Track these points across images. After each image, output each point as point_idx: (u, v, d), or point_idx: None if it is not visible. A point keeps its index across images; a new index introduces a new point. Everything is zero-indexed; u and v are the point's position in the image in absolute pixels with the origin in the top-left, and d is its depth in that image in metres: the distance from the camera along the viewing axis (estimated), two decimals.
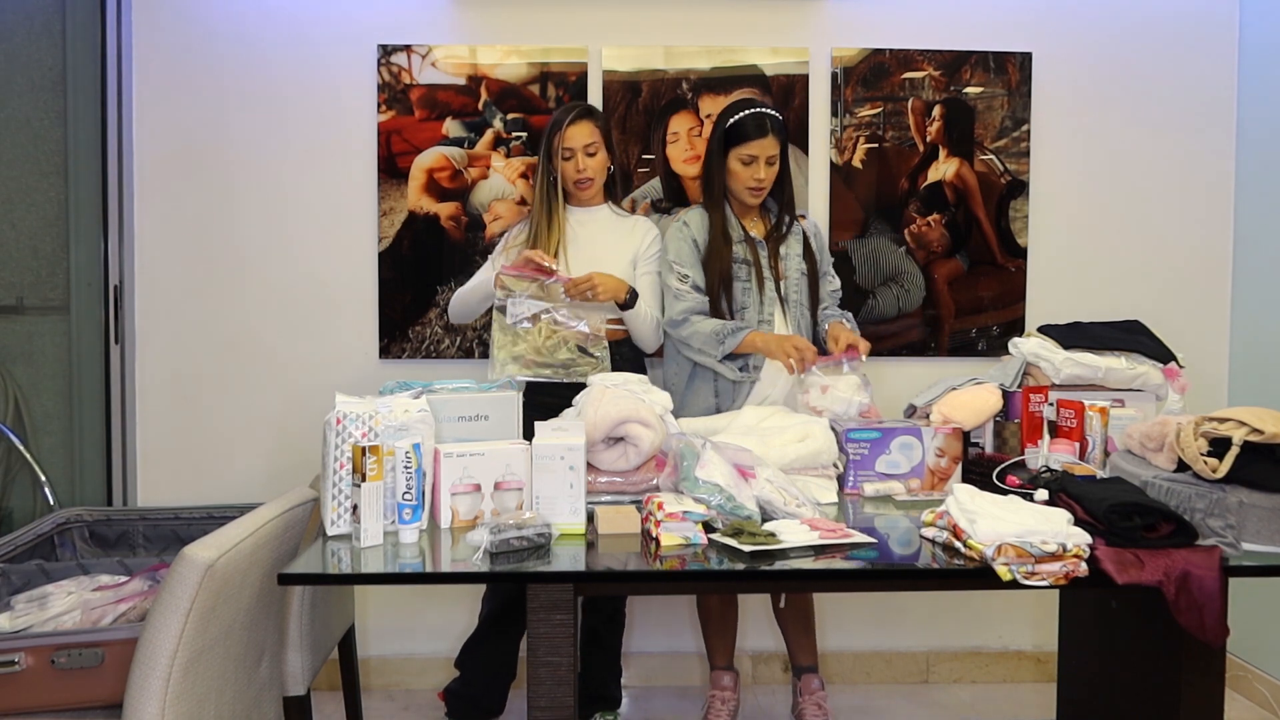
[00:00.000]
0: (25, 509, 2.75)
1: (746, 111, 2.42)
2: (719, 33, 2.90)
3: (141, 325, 2.89)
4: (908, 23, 2.93)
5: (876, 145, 2.93)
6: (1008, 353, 2.37)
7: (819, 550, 1.64)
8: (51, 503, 2.66)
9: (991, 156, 2.95)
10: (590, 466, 1.88)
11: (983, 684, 3.03)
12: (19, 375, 2.80)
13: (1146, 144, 2.99)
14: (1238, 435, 1.66)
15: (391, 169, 2.87)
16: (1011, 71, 2.93)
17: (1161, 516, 1.60)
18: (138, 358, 2.89)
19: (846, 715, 2.80)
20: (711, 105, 2.87)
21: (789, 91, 2.89)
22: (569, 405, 2.07)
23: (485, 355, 2.81)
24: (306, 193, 2.89)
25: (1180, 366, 2.27)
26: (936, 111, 2.92)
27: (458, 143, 2.87)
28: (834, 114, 2.91)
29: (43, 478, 2.68)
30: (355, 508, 1.64)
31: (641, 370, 2.52)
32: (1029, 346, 2.30)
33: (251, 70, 2.86)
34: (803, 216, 2.61)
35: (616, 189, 2.63)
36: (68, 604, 1.84)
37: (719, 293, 2.44)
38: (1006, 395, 2.23)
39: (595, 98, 2.87)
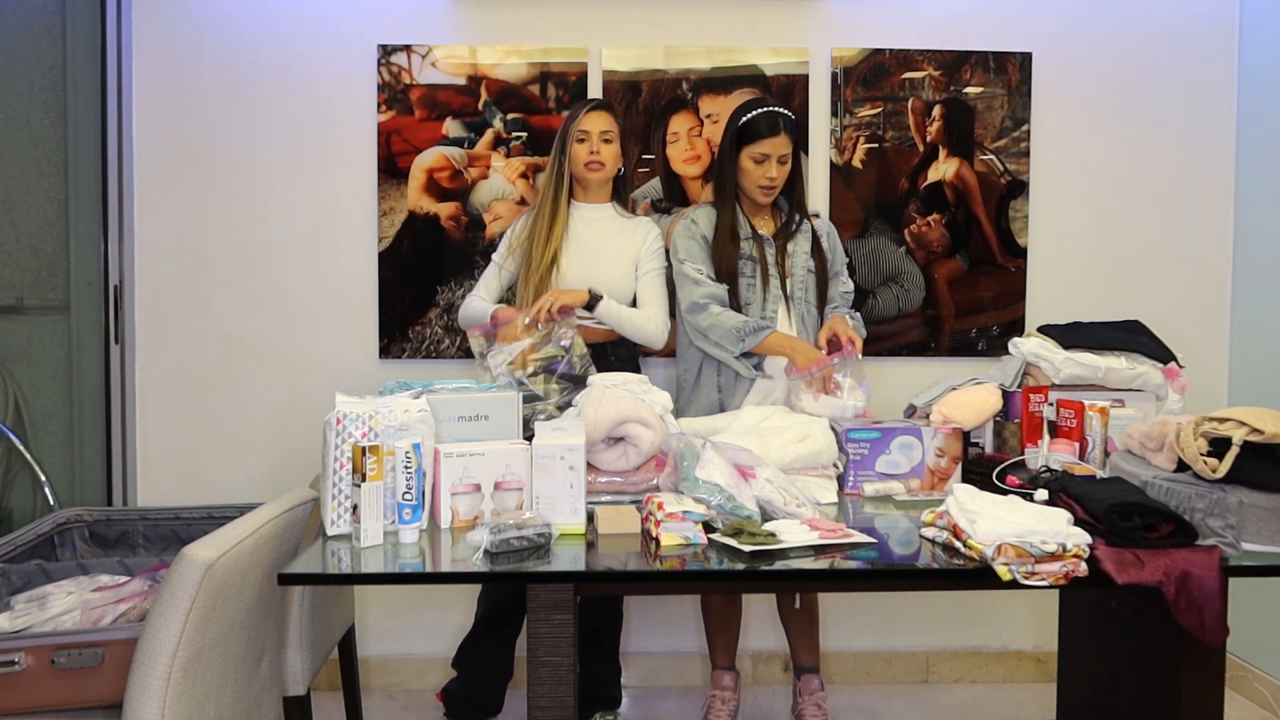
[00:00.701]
0: (25, 509, 2.75)
1: (759, 110, 2.42)
2: (719, 33, 2.90)
3: (141, 325, 2.89)
4: (908, 23, 2.93)
5: (876, 145, 2.93)
6: (1008, 353, 2.37)
7: (819, 550, 1.64)
8: (51, 503, 2.66)
9: (991, 156, 2.95)
10: (590, 466, 1.88)
11: (983, 684, 3.03)
12: (19, 375, 2.80)
13: (1146, 144, 2.99)
14: (1238, 435, 1.66)
15: (391, 169, 2.87)
16: (1011, 71, 2.93)
17: (1161, 516, 1.60)
18: (138, 358, 2.89)
19: (846, 715, 2.80)
20: (711, 105, 2.87)
21: (789, 91, 2.89)
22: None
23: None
24: (306, 193, 2.89)
25: (1180, 366, 2.27)
26: (936, 111, 2.92)
27: (458, 143, 2.87)
28: (834, 114, 2.91)
29: (43, 478, 2.68)
30: (355, 508, 1.64)
31: (636, 370, 2.52)
32: (1029, 346, 2.30)
33: (251, 70, 2.86)
34: (816, 216, 2.61)
35: (625, 190, 2.62)
36: (68, 604, 1.84)
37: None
38: (1006, 395, 2.23)
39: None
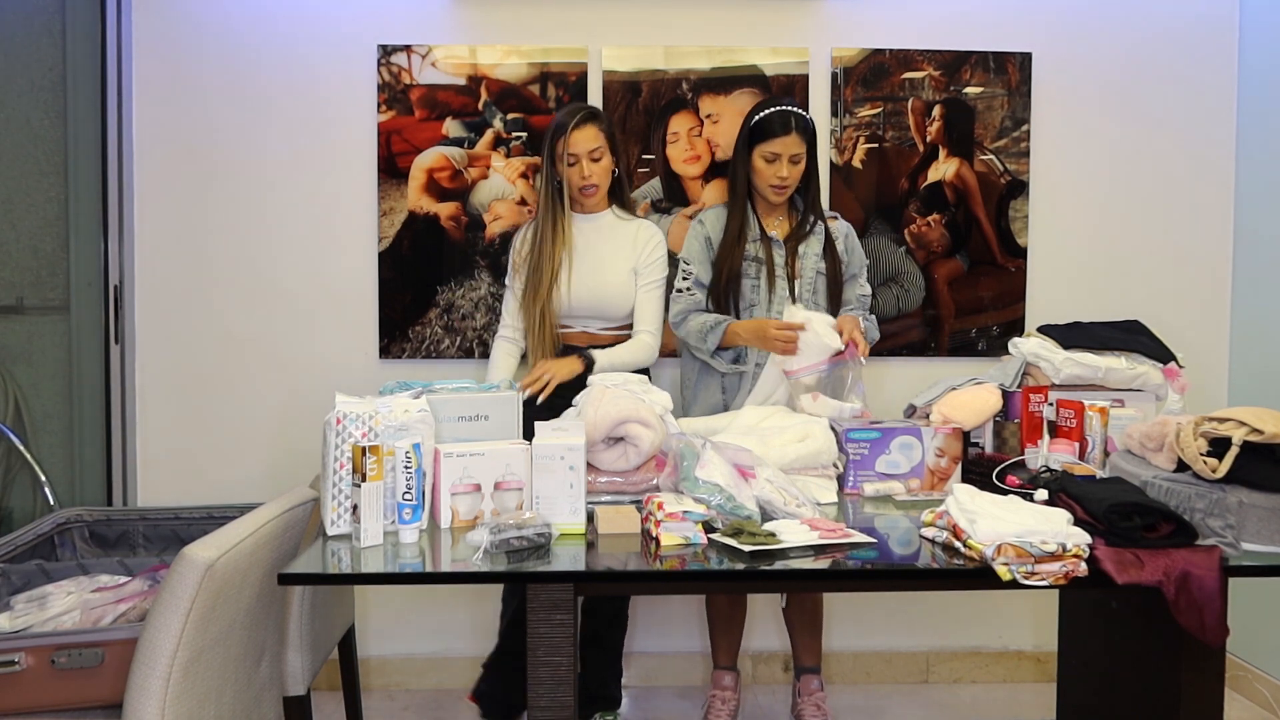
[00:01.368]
0: (25, 509, 2.75)
1: (772, 109, 2.42)
2: (719, 33, 2.90)
3: (141, 325, 2.89)
4: (908, 23, 2.93)
5: (876, 145, 2.93)
6: (1008, 353, 2.36)
7: (819, 550, 1.64)
8: (51, 503, 2.66)
9: (991, 156, 2.94)
10: (590, 466, 1.88)
11: (983, 684, 3.03)
12: (19, 375, 2.80)
13: (1146, 144, 2.99)
14: (1238, 435, 1.65)
15: (391, 169, 2.87)
16: (1011, 71, 2.93)
17: (1161, 516, 1.60)
18: (138, 358, 2.89)
19: (846, 715, 2.80)
20: (711, 105, 2.87)
21: (789, 91, 2.88)
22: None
23: (485, 355, 2.81)
24: (307, 193, 2.89)
25: (1180, 366, 2.27)
26: (936, 111, 2.92)
27: (458, 143, 2.87)
28: (834, 114, 2.91)
29: (43, 478, 2.68)
30: (355, 508, 1.64)
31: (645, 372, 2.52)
32: (1029, 346, 2.30)
33: (251, 70, 2.86)
34: (835, 218, 2.58)
35: (623, 191, 2.61)
36: (68, 604, 1.84)
37: (727, 290, 2.45)
38: (1006, 395, 2.22)
39: (595, 98, 2.87)
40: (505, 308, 2.62)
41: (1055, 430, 2.11)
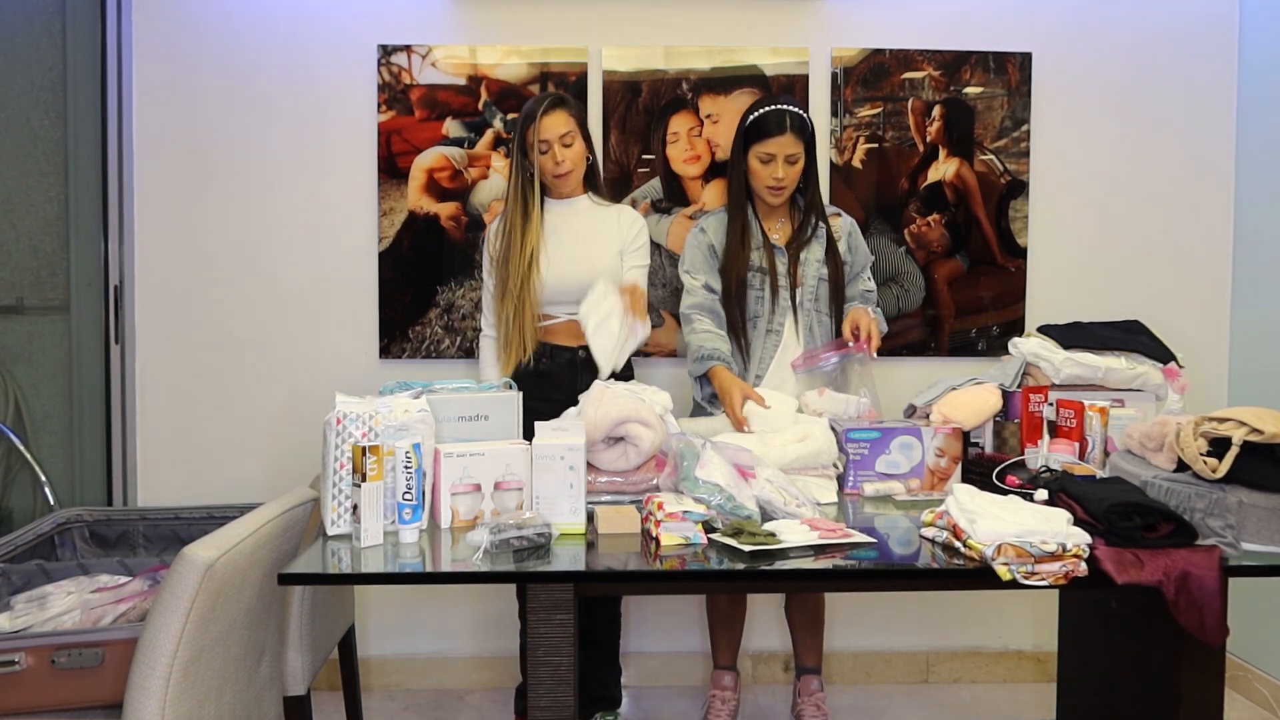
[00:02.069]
0: (25, 509, 2.75)
1: (766, 109, 2.37)
2: (719, 33, 2.90)
3: (141, 325, 2.89)
4: (908, 23, 2.93)
5: (876, 145, 2.93)
6: (1008, 353, 2.36)
7: (819, 550, 1.64)
8: (51, 503, 2.66)
9: (991, 156, 2.94)
10: (590, 466, 1.88)
11: (983, 684, 3.03)
12: (19, 375, 2.80)
13: (1146, 144, 2.99)
14: (1237, 435, 1.65)
15: (391, 169, 2.87)
16: (1011, 71, 2.93)
17: (1161, 516, 1.60)
18: (138, 358, 2.89)
19: (846, 715, 2.80)
20: (711, 105, 2.87)
21: (789, 91, 2.88)
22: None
23: None
24: (306, 193, 2.89)
25: (1180, 366, 2.27)
26: (936, 111, 2.92)
27: (458, 143, 2.87)
28: (834, 114, 2.91)
29: (43, 478, 2.68)
30: (355, 508, 1.64)
31: (629, 374, 2.48)
32: (1029, 346, 2.30)
33: (251, 70, 2.86)
34: (837, 215, 2.54)
35: (597, 178, 2.58)
36: (68, 604, 1.84)
37: (733, 301, 2.41)
38: (1006, 395, 2.23)
39: (595, 98, 2.87)
40: (484, 305, 2.58)
41: (1055, 430, 2.11)
